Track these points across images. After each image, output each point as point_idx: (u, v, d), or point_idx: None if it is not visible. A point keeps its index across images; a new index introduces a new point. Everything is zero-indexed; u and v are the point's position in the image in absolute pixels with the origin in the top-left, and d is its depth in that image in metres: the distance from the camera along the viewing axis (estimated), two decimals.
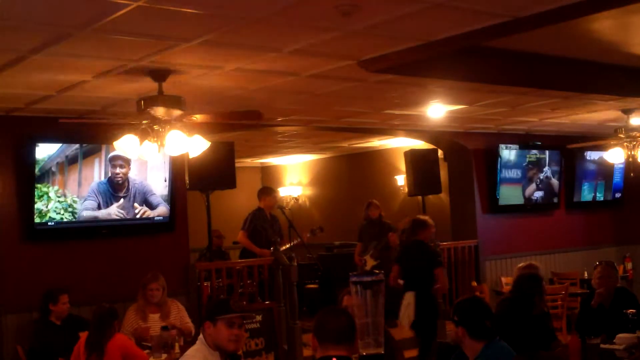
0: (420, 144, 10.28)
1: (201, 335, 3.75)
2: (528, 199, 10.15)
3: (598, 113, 8.46)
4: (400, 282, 7.13)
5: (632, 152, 8.04)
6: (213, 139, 6.08)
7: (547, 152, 10.20)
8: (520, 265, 5.88)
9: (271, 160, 13.84)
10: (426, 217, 7.35)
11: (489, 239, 9.75)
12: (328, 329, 3.10)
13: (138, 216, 7.14)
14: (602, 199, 11.06)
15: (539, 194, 10.25)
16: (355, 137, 10.46)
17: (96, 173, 6.86)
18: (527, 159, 10.00)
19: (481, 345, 3.77)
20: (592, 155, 10.71)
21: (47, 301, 6.12)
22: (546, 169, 10.25)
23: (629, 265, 10.59)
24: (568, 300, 8.28)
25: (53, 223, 6.60)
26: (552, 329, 5.41)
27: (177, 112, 5.12)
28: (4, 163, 6.50)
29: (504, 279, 9.49)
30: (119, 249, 7.06)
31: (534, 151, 10.08)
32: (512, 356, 3.86)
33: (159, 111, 5.08)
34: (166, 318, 6.26)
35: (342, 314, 3.17)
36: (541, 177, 10.22)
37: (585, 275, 9.67)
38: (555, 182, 10.39)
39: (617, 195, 11.30)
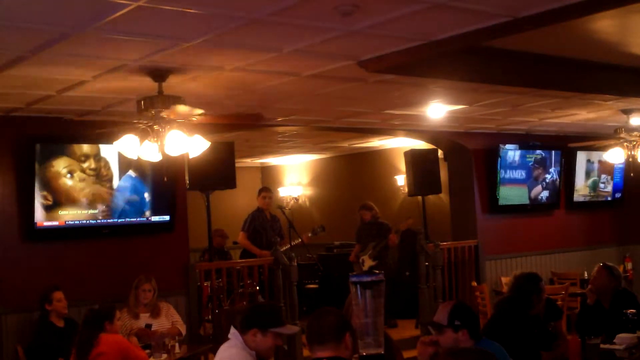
0: (420, 144, 10.27)
1: (241, 338, 3.73)
2: (534, 200, 10.15)
3: (598, 113, 8.45)
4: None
5: (632, 152, 8.04)
6: (213, 139, 6.07)
7: (547, 152, 10.18)
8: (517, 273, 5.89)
9: (271, 160, 13.83)
10: None
11: (489, 239, 9.74)
12: (311, 329, 3.10)
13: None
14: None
15: (545, 195, 10.24)
16: (355, 137, 10.45)
17: None
18: (530, 159, 9.99)
19: (472, 344, 3.80)
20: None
21: (42, 303, 6.13)
22: (552, 169, 10.25)
23: (629, 265, 10.58)
24: (568, 300, 8.27)
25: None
26: (551, 329, 5.41)
27: (176, 112, 5.12)
28: (4, 163, 6.49)
29: (504, 279, 9.48)
30: (119, 249, 7.06)
31: (538, 151, 10.07)
32: (501, 352, 3.87)
33: (159, 111, 5.07)
34: (157, 317, 6.46)
35: (328, 314, 3.14)
36: (547, 178, 10.21)
37: (585, 275, 9.65)
38: (557, 182, 10.39)
39: (617, 195, 11.29)
